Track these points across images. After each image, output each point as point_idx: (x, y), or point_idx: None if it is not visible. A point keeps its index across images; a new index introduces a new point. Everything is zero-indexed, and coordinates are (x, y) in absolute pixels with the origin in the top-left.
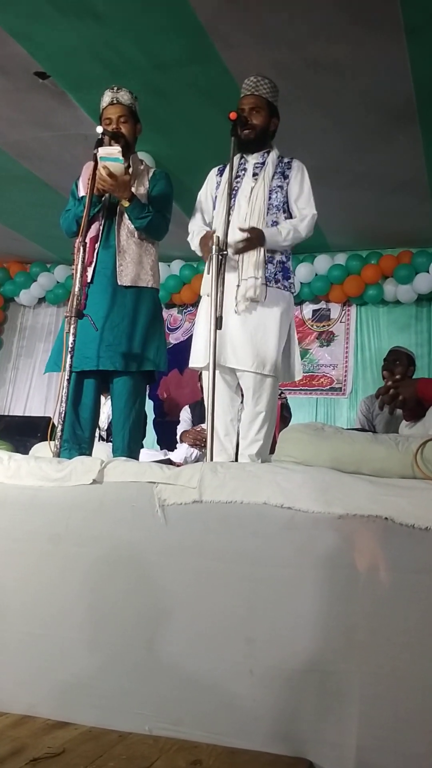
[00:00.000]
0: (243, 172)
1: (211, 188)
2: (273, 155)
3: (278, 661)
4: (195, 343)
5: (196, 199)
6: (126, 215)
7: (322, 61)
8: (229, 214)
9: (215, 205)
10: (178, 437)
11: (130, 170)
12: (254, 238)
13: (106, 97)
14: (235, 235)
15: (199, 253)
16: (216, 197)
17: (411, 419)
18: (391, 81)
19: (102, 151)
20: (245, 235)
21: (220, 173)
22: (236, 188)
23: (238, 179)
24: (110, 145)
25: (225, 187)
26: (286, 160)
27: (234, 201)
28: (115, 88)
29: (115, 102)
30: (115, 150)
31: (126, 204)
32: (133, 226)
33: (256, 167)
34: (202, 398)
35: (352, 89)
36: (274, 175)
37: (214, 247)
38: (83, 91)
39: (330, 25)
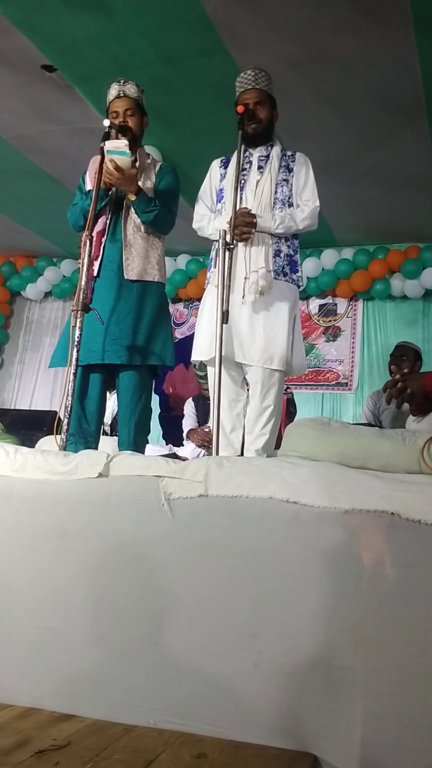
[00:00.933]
0: (248, 165)
1: (215, 180)
2: (277, 149)
3: (283, 655)
4: (198, 335)
5: (200, 189)
6: (132, 209)
7: (329, 56)
8: (236, 207)
9: (220, 197)
10: (184, 432)
11: (137, 164)
12: (251, 226)
13: (113, 90)
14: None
15: (214, 236)
16: (221, 189)
17: (418, 414)
18: (400, 76)
19: (109, 145)
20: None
21: (224, 165)
22: (242, 181)
23: (244, 172)
24: (117, 138)
25: (232, 181)
26: (289, 153)
27: (241, 194)
28: (122, 81)
29: (121, 95)
30: (122, 143)
31: (132, 198)
32: (139, 220)
33: (261, 160)
34: (204, 392)
35: (360, 84)
36: (280, 169)
37: (220, 241)
38: (90, 84)
39: (338, 19)
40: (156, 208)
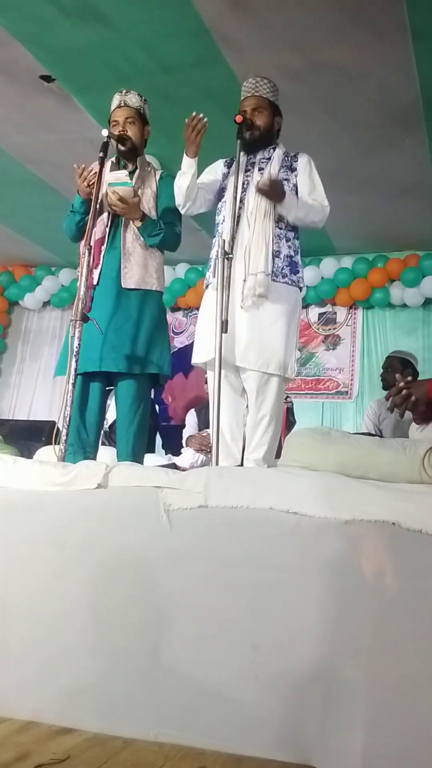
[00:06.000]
0: (252, 166)
1: (218, 173)
2: (279, 151)
3: (284, 667)
4: (198, 338)
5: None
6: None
7: (328, 65)
8: (236, 216)
9: (221, 196)
10: (184, 441)
11: (137, 172)
12: (275, 190)
13: (115, 100)
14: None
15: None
16: (223, 188)
17: (422, 422)
18: (397, 84)
19: (110, 177)
20: (266, 182)
21: (228, 166)
22: (246, 183)
23: (248, 173)
24: (116, 148)
25: (232, 189)
26: (292, 154)
27: (244, 195)
28: (124, 91)
29: (123, 105)
30: (123, 174)
31: (138, 224)
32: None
33: (262, 162)
34: (208, 401)
35: (358, 93)
36: (281, 169)
37: (219, 250)
38: (88, 95)
39: (336, 28)
40: (162, 231)
